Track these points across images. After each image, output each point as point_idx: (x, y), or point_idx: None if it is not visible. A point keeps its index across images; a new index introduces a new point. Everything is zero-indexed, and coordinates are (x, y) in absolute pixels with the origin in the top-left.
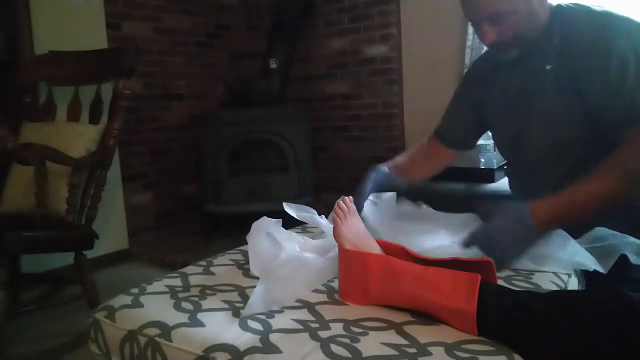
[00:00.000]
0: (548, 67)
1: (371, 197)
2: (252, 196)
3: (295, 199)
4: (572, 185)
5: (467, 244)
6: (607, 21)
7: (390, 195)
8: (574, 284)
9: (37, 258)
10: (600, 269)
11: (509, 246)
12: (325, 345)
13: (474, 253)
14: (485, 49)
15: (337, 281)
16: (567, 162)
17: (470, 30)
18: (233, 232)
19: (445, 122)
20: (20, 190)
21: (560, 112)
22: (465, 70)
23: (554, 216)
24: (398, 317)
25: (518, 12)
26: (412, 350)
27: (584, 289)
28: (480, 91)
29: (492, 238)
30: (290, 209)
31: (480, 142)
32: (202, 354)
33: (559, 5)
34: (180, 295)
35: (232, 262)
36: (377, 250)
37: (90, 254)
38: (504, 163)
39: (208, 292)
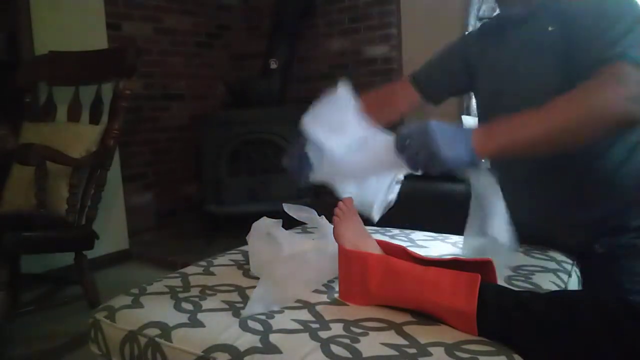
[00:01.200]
0: (550, 29)
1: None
2: (252, 196)
3: (295, 199)
4: (523, 115)
5: (401, 136)
6: None
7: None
8: (574, 284)
9: (37, 258)
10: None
11: (443, 148)
12: (325, 345)
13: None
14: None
15: (337, 281)
16: None
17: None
18: (233, 232)
19: (426, 68)
20: (20, 190)
21: (554, 73)
22: None
23: (497, 144)
24: (398, 317)
25: None
26: (412, 350)
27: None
28: (476, 51)
29: (428, 133)
30: (289, 210)
31: None
32: (202, 354)
33: None
34: (180, 295)
35: (232, 262)
36: (377, 250)
37: (90, 254)
38: None
39: (208, 292)
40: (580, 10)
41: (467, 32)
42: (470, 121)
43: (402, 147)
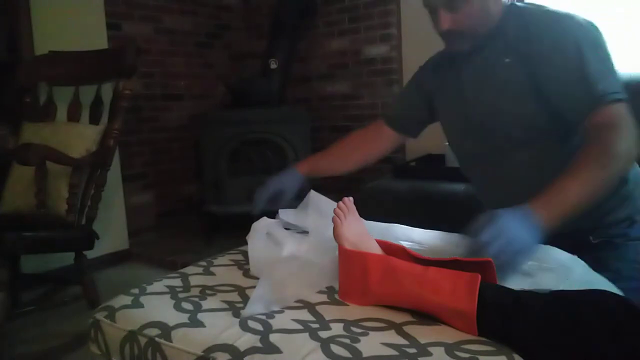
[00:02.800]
0: (507, 60)
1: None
2: (252, 196)
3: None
4: (556, 180)
5: (473, 232)
6: (559, 16)
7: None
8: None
9: (37, 258)
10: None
11: (517, 237)
12: (325, 345)
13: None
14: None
15: (337, 281)
16: (526, 152)
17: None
18: (233, 232)
19: (394, 106)
20: (20, 190)
21: (523, 103)
22: None
23: (556, 214)
24: (398, 317)
25: (472, 3)
26: (412, 350)
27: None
28: (433, 82)
29: (505, 235)
30: (285, 216)
31: None
32: (202, 354)
33: (513, 4)
34: (180, 295)
35: (232, 262)
36: (377, 250)
37: (90, 254)
38: None
39: (208, 292)
40: (534, 43)
41: (424, 64)
42: None
43: (478, 249)
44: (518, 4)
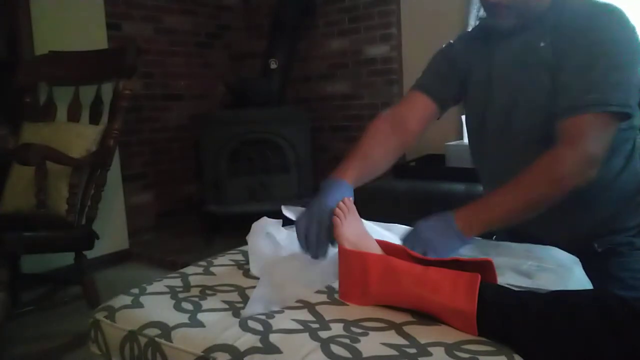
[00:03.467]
0: (542, 44)
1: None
2: (252, 196)
3: (295, 199)
4: (499, 188)
5: (402, 239)
6: (603, 9)
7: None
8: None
9: (37, 258)
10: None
11: (435, 244)
12: (325, 345)
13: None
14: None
15: (337, 281)
16: (544, 147)
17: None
18: (233, 232)
19: (426, 75)
20: (20, 190)
21: (545, 88)
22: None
23: (478, 226)
24: (398, 317)
25: None
26: (412, 350)
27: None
28: (466, 60)
29: (419, 235)
30: (288, 212)
31: None
32: (202, 354)
33: None
34: (180, 295)
35: (232, 262)
36: (377, 250)
37: (90, 254)
38: None
39: (208, 292)
40: (571, 33)
41: (452, 41)
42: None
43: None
44: None
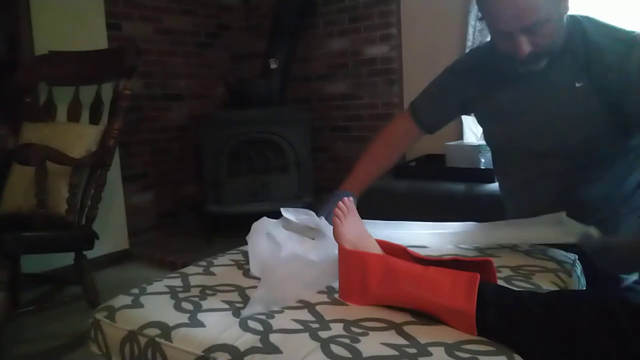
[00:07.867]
0: (577, 85)
1: None
2: (252, 196)
3: (295, 199)
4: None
5: (582, 243)
6: (627, 35)
7: None
8: (574, 284)
9: (37, 258)
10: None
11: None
12: (325, 345)
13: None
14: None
15: (337, 281)
16: (580, 163)
17: (470, 30)
18: (233, 232)
19: (424, 105)
20: (20, 190)
21: (584, 129)
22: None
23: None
24: (398, 317)
25: (552, 19)
26: (412, 350)
27: (584, 288)
28: (475, 89)
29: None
30: (288, 214)
31: (481, 142)
32: (202, 354)
33: (573, 15)
34: (180, 295)
35: (232, 262)
36: (377, 250)
37: (90, 254)
38: None
39: (208, 292)
40: (614, 71)
41: (458, 63)
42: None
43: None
44: (574, 14)
